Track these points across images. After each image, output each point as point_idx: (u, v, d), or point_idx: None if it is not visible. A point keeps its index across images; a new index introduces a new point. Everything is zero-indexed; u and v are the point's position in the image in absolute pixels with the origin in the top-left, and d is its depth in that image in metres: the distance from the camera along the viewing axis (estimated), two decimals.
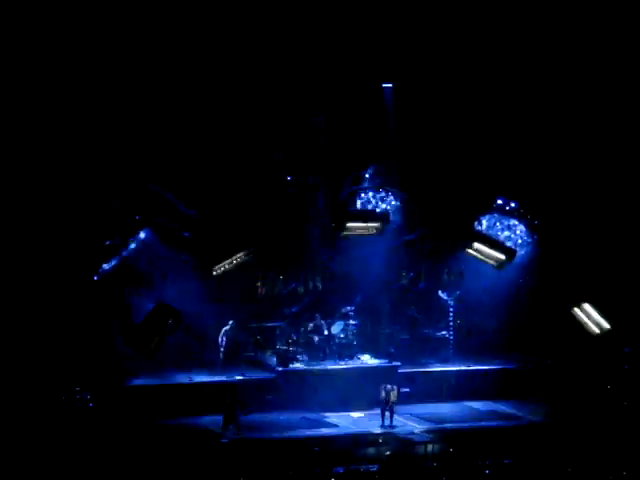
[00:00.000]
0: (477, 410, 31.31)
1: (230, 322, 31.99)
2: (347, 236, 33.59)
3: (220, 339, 31.87)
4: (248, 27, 32.07)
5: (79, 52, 30.75)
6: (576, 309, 32.67)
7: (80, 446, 25.51)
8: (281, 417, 29.72)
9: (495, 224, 34.24)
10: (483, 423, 29.81)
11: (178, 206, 31.87)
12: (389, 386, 29.05)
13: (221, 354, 31.87)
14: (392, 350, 32.75)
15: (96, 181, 30.97)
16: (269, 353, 32.48)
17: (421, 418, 30.03)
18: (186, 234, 32.03)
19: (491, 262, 33.46)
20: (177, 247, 31.79)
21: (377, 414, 29.27)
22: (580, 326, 32.69)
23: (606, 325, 32.40)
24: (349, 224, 33.21)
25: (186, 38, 31.68)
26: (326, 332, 32.60)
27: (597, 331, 32.50)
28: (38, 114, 30.67)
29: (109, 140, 31.30)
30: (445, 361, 33.42)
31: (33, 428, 26.38)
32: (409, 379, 31.56)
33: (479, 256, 33.48)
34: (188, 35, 31.74)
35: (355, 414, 30.25)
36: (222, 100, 32.30)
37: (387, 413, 29.00)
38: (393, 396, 28.93)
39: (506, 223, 34.24)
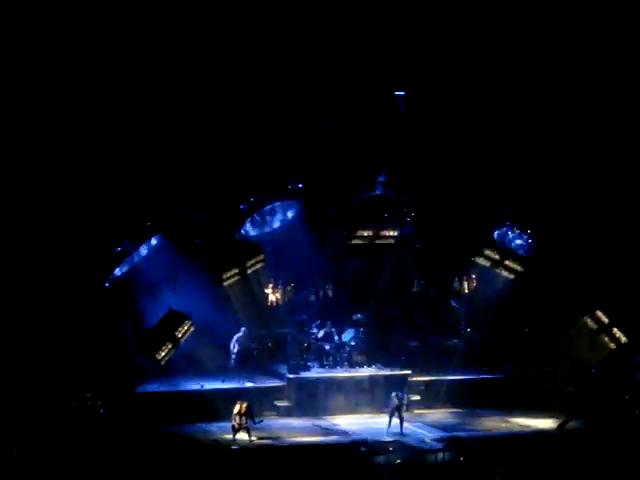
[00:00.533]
0: (487, 418, 31.23)
1: (242, 329, 32.03)
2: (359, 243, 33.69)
3: (232, 345, 31.90)
4: (262, 37, 32.28)
5: (100, 63, 31.22)
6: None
7: (91, 452, 25.50)
8: (292, 424, 29.71)
9: (507, 233, 34.27)
10: (494, 432, 29.73)
11: (189, 213, 31.91)
12: (399, 393, 29.04)
13: (232, 361, 31.91)
14: (403, 358, 32.74)
15: (108, 188, 31.07)
16: (280, 360, 32.48)
17: (431, 426, 29.98)
18: (197, 241, 32.00)
19: (505, 272, 33.52)
20: (188, 254, 31.80)
21: (387, 422, 29.24)
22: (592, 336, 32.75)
23: None
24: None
25: (199, 48, 31.90)
26: (337, 339, 32.64)
27: None
28: (50, 122, 30.88)
29: (122, 148, 31.43)
30: (456, 369, 33.36)
31: (44, 434, 26.39)
32: (420, 387, 31.53)
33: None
34: (200, 45, 31.96)
35: (365, 421, 30.23)
36: (234, 107, 32.43)
37: (397, 421, 28.97)
38: (403, 404, 28.90)
39: (518, 232, 34.24)
